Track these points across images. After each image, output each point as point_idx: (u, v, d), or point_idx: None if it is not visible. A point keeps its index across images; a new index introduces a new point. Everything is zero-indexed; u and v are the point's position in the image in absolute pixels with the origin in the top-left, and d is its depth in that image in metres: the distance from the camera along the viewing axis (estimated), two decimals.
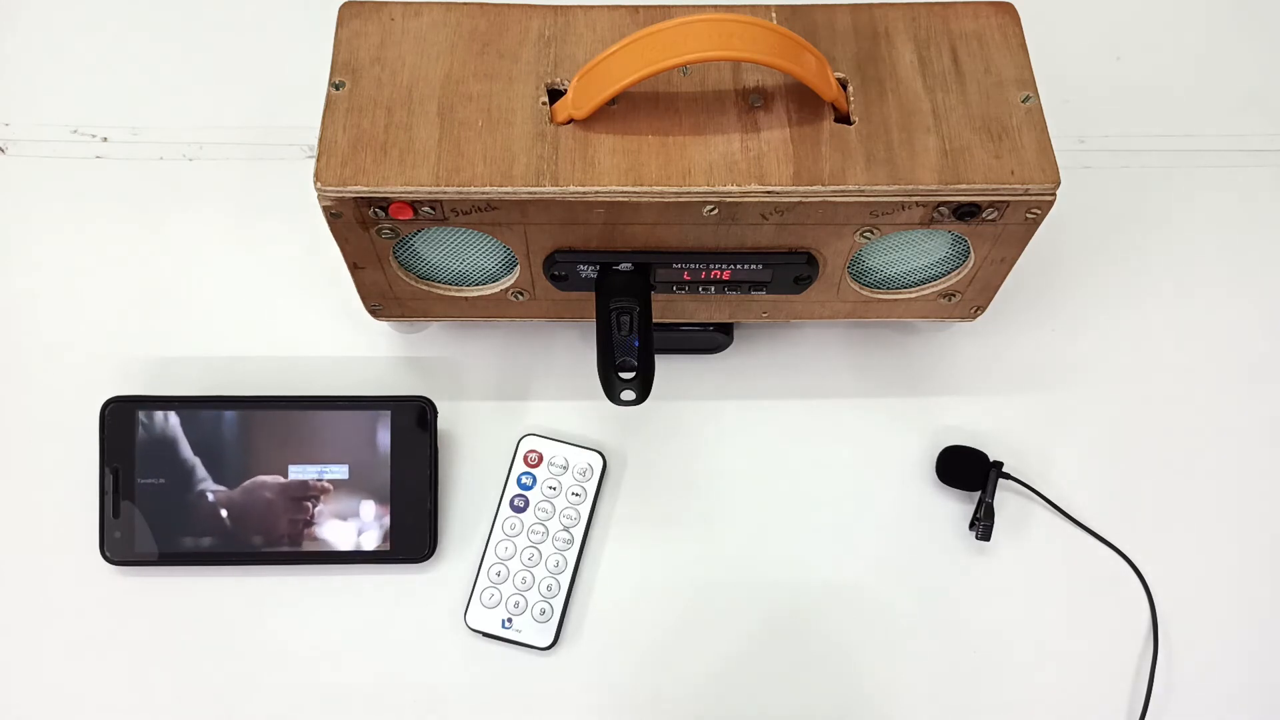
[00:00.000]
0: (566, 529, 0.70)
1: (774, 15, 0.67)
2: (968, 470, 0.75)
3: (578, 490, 0.71)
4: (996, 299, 0.73)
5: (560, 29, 0.66)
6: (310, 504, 0.72)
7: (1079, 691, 0.71)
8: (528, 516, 0.71)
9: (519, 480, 0.72)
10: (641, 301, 0.67)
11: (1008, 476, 0.75)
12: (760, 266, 0.68)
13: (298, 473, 0.72)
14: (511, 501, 0.71)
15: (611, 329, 0.67)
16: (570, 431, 0.77)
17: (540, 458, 0.72)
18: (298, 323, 0.80)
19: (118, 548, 0.72)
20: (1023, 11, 0.68)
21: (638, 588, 0.73)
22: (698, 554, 0.74)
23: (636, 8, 0.67)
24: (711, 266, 0.68)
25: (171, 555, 0.72)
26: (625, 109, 0.63)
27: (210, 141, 0.86)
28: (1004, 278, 0.71)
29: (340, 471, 0.72)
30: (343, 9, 0.67)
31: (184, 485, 0.72)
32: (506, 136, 0.63)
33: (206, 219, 0.83)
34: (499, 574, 0.71)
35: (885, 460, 0.77)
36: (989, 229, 0.65)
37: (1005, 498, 0.76)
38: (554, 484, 0.71)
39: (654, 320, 0.68)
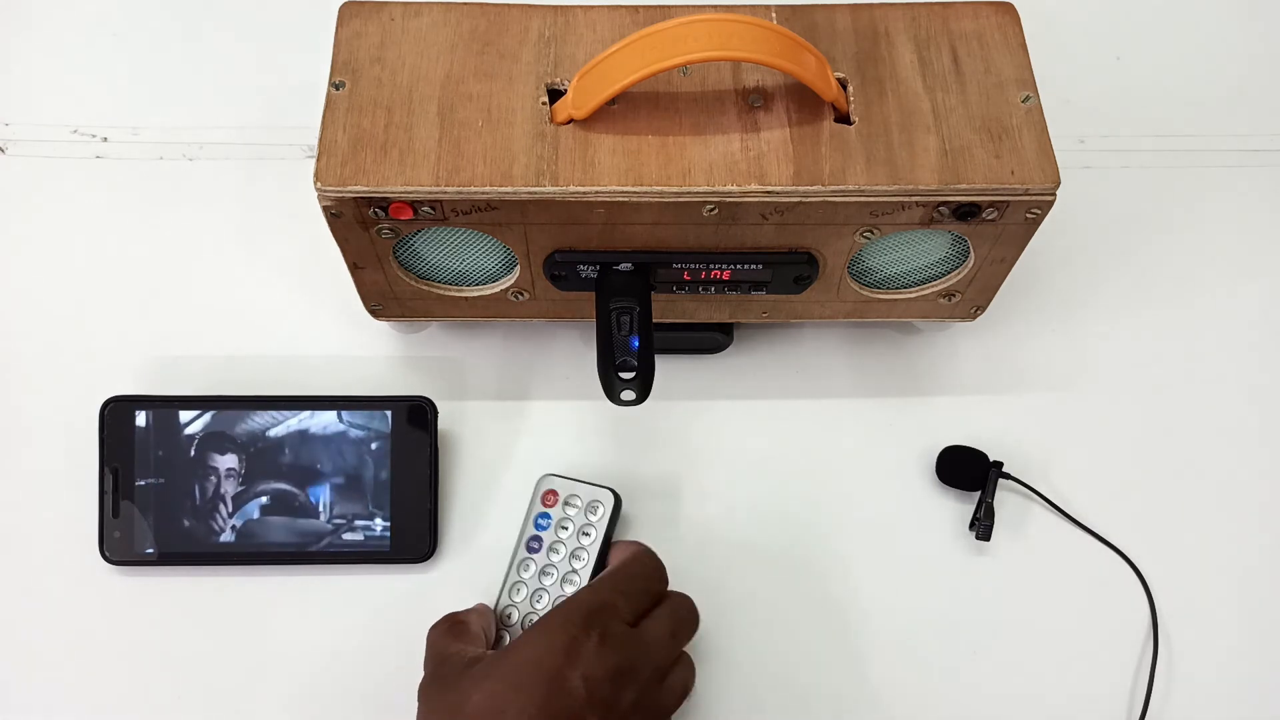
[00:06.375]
0: (575, 570, 0.69)
1: (774, 15, 0.67)
2: (968, 470, 0.75)
3: (588, 530, 0.70)
4: (996, 299, 0.73)
5: (560, 29, 0.66)
6: (310, 503, 0.72)
7: (1079, 691, 0.71)
8: (540, 557, 0.70)
9: (536, 521, 0.71)
10: (641, 301, 0.67)
11: (1008, 476, 0.75)
12: (760, 266, 0.68)
13: (297, 472, 0.72)
14: (527, 544, 0.70)
15: (611, 329, 0.67)
16: (570, 431, 0.77)
17: (556, 497, 0.71)
18: (298, 323, 0.80)
19: (117, 548, 0.72)
20: (1023, 11, 0.68)
21: None
22: (697, 554, 0.74)
23: (636, 8, 0.67)
24: (711, 266, 0.68)
25: (171, 555, 0.72)
26: (625, 109, 0.63)
27: (210, 141, 0.86)
28: (1004, 278, 0.71)
29: (340, 471, 0.72)
30: (343, 9, 0.67)
31: (184, 485, 0.72)
32: (506, 136, 0.63)
33: (206, 219, 0.83)
34: (509, 616, 0.70)
35: (885, 460, 0.77)
36: (989, 229, 0.65)
37: (1005, 498, 0.76)
38: (566, 523, 0.70)
39: (654, 320, 0.68)
